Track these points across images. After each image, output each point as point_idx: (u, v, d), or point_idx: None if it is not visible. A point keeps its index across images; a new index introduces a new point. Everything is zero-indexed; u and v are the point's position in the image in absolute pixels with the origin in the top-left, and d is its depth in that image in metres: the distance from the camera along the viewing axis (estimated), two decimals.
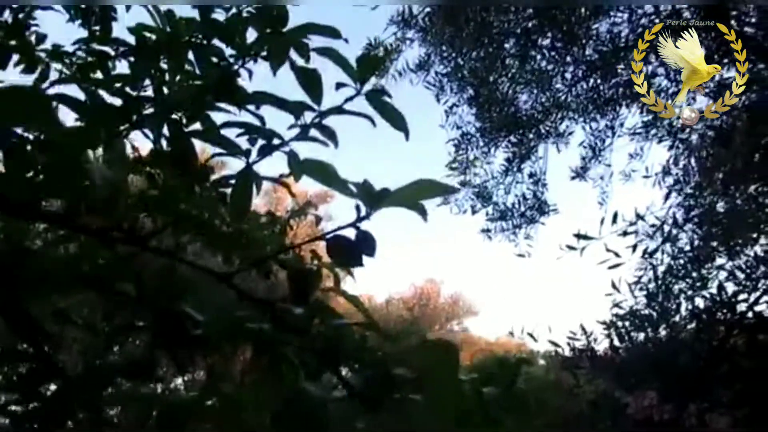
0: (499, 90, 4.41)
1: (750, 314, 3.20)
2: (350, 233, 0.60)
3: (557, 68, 4.30)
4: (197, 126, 0.88)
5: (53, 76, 1.26)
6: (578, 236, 3.58)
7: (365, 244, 0.59)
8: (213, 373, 0.76)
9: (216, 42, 0.95)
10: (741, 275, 3.37)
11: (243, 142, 0.81)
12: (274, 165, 0.84)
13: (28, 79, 1.25)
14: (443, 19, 4.19)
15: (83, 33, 1.28)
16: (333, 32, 0.87)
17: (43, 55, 1.27)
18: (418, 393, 0.52)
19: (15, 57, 1.25)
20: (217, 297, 0.72)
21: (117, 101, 0.88)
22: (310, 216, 1.54)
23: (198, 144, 0.88)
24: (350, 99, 0.79)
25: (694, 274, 3.50)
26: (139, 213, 0.76)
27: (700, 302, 3.38)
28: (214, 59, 0.94)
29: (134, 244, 0.69)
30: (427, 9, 4.26)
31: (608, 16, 4.04)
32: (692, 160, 3.97)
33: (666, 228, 3.69)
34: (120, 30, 1.15)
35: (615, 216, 3.64)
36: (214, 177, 0.92)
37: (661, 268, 3.59)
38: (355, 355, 0.61)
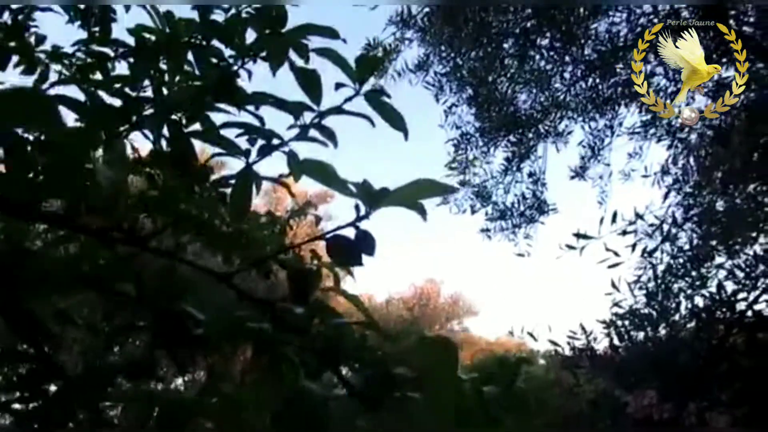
0: (498, 90, 4.41)
1: (749, 313, 3.20)
2: (350, 233, 0.60)
3: (556, 68, 4.30)
4: (197, 126, 0.89)
5: (53, 77, 1.26)
6: (578, 235, 3.58)
7: (365, 244, 0.59)
8: (213, 373, 0.76)
9: (215, 43, 0.95)
10: (740, 274, 3.38)
11: (242, 143, 0.81)
12: (274, 165, 0.85)
13: (28, 81, 1.25)
14: (442, 19, 4.19)
15: (82, 34, 1.28)
16: (332, 33, 0.87)
17: (42, 56, 1.27)
18: (418, 391, 0.52)
19: (15, 58, 1.25)
20: (216, 297, 0.72)
21: (116, 102, 0.88)
22: (309, 216, 1.54)
23: (198, 144, 0.88)
24: (349, 99, 0.80)
25: (694, 273, 3.50)
26: (139, 213, 0.76)
27: (699, 301, 3.39)
28: (214, 60, 0.94)
29: (134, 244, 0.69)
30: (426, 9, 4.26)
31: (607, 16, 4.04)
32: (691, 160, 3.98)
33: (665, 227, 3.70)
34: (119, 31, 1.15)
35: (614, 215, 3.65)
36: (213, 177, 0.92)
37: (660, 267, 3.59)
38: (356, 354, 0.61)
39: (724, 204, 3.77)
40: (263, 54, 0.93)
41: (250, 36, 0.94)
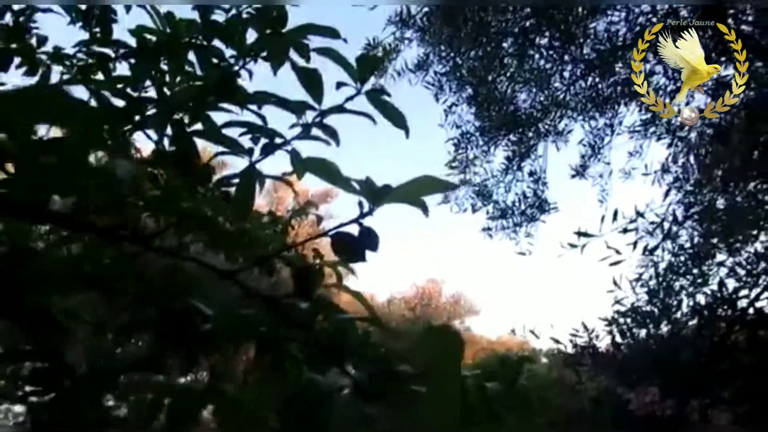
0: (498, 89, 4.42)
1: (751, 310, 3.20)
2: (353, 230, 0.61)
3: (555, 67, 4.31)
4: (199, 126, 0.89)
5: (54, 78, 1.26)
6: (579, 234, 3.59)
7: (368, 240, 0.59)
8: (215, 372, 0.76)
9: (216, 43, 0.96)
10: (741, 272, 3.38)
11: (245, 142, 0.81)
12: (275, 164, 0.85)
13: (30, 82, 1.26)
14: (441, 19, 4.20)
15: (84, 35, 1.29)
16: (332, 32, 0.88)
17: (44, 57, 1.28)
18: (422, 385, 0.52)
19: (16, 60, 1.25)
20: (220, 295, 0.72)
21: (118, 102, 0.88)
22: (311, 216, 1.55)
23: (200, 144, 0.89)
24: (351, 98, 0.80)
25: (695, 271, 3.51)
26: (142, 213, 0.76)
27: (701, 299, 3.40)
28: (215, 60, 0.95)
29: (138, 243, 0.70)
30: (425, 9, 4.27)
31: (605, 15, 4.05)
32: (691, 158, 3.98)
33: (666, 225, 3.70)
34: (120, 32, 1.15)
35: (615, 213, 3.65)
36: (216, 176, 0.92)
37: (661, 265, 3.60)
38: (359, 350, 0.61)
39: (724, 202, 3.78)
40: (264, 54, 0.93)
41: (251, 36, 0.95)
